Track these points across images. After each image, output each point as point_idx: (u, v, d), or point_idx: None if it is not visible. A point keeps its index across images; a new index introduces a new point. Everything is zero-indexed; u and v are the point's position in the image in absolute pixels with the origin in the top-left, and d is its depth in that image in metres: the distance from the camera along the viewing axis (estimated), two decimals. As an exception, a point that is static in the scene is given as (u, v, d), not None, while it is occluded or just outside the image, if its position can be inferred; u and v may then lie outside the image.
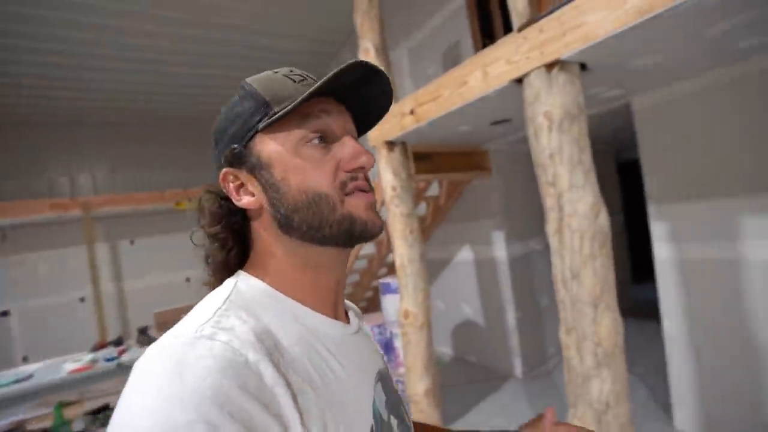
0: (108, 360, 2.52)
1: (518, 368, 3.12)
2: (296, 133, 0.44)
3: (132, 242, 5.76)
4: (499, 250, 3.13)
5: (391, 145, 2.39)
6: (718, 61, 1.76)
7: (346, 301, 0.59)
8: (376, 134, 2.41)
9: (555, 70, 1.41)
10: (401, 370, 2.71)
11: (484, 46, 2.97)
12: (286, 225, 0.44)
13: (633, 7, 1.18)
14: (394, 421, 0.49)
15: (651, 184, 2.17)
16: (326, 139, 0.45)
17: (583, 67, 1.49)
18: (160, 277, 5.79)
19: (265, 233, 0.46)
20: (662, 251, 2.16)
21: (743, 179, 1.87)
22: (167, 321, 3.81)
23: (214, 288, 0.45)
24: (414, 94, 2.13)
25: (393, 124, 2.27)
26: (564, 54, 1.37)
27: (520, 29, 1.50)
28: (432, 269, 3.70)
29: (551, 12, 1.40)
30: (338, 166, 0.44)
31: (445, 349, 3.85)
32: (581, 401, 1.50)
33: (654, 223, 2.17)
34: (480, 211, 3.29)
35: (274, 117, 0.43)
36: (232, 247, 0.48)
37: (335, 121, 0.46)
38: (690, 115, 2.00)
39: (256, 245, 0.48)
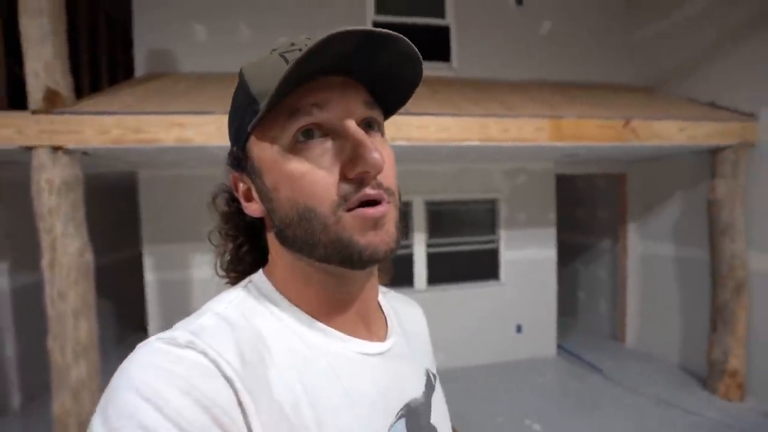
0: None
1: (16, 400, 3.10)
2: (284, 135, 0.36)
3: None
4: (1, 281, 3.06)
5: None
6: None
7: (400, 300, 0.55)
8: None
9: (60, 152, 2.02)
10: None
11: (10, 98, 2.99)
12: (282, 238, 0.40)
13: (110, 135, 2.04)
14: None
15: (146, 229, 3.17)
16: (324, 135, 0.37)
17: (85, 152, 2.19)
18: None
19: (271, 241, 0.43)
20: (151, 276, 3.18)
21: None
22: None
23: (233, 284, 0.44)
24: None
25: None
26: (69, 145, 2.01)
27: (34, 112, 1.99)
28: None
29: (62, 113, 2.01)
30: (338, 173, 0.36)
31: None
32: (63, 386, 2.08)
33: (147, 257, 3.17)
34: (-21, 240, 3.05)
35: (257, 117, 0.36)
36: (242, 244, 0.46)
37: (333, 112, 0.36)
38: (185, 185, 3.19)
39: (270, 247, 0.44)
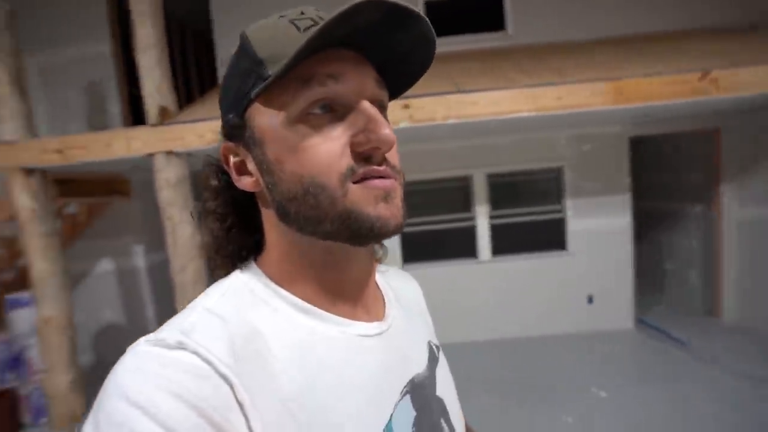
0: None
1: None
2: (294, 104, 0.35)
3: None
4: (140, 260, 3.90)
5: (29, 171, 2.68)
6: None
7: (395, 276, 0.54)
8: (10, 159, 2.62)
9: (172, 156, 2.53)
10: (37, 378, 2.92)
11: (133, 116, 3.74)
12: (284, 215, 0.37)
13: (205, 138, 2.49)
14: None
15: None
16: (335, 110, 0.35)
17: (189, 154, 2.70)
18: None
19: (267, 219, 0.40)
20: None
21: None
22: None
23: (222, 271, 0.42)
24: (62, 137, 2.65)
25: (33, 156, 2.62)
26: (177, 149, 2.52)
27: (152, 126, 2.53)
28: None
29: (170, 124, 2.52)
30: (347, 147, 0.35)
31: (87, 356, 4.06)
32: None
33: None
34: (121, 228, 3.91)
35: (265, 82, 0.34)
36: (232, 225, 0.42)
37: (347, 86, 0.35)
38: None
39: (265, 228, 0.41)
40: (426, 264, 3.82)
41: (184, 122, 2.53)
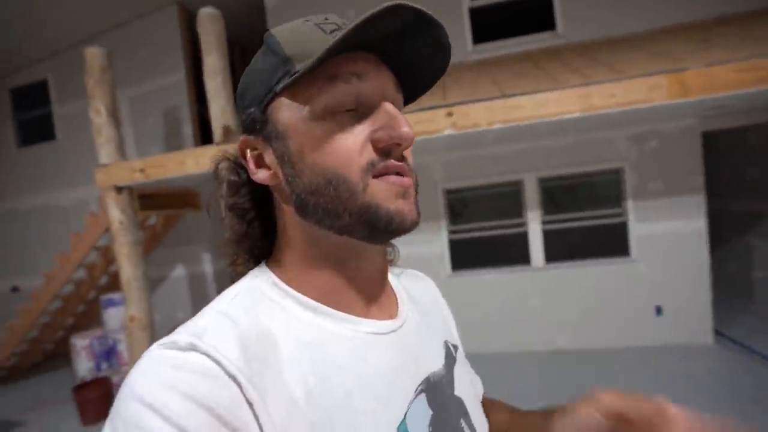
0: None
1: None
2: (319, 99, 0.36)
3: None
4: (207, 266, 4.29)
5: (119, 189, 3.10)
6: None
7: (408, 277, 0.55)
8: (105, 179, 3.05)
9: (235, 171, 2.79)
10: (125, 368, 3.33)
11: (202, 136, 4.17)
12: (302, 207, 0.38)
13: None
14: None
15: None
16: (358, 108, 0.37)
17: (250, 168, 2.95)
18: None
19: (284, 214, 0.41)
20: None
21: None
22: None
23: (241, 271, 0.43)
24: (144, 159, 3.02)
25: (123, 175, 3.02)
26: (239, 164, 2.77)
27: (217, 144, 2.80)
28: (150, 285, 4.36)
29: (232, 142, 2.78)
30: (368, 142, 0.37)
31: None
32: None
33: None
34: (192, 237, 4.33)
35: (293, 77, 0.36)
36: (253, 219, 0.43)
37: (370, 85, 0.37)
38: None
39: (279, 225, 0.43)
40: (476, 271, 3.76)
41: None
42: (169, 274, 4.49)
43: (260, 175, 0.40)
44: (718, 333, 3.43)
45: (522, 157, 3.59)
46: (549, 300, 3.62)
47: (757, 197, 3.92)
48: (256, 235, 0.44)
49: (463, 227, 3.88)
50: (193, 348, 0.32)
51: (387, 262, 0.47)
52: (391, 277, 0.50)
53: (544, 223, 3.67)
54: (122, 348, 3.36)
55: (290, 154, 0.38)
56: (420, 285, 0.57)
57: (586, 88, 2.34)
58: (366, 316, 0.42)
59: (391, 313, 0.45)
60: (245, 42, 5.48)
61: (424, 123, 2.45)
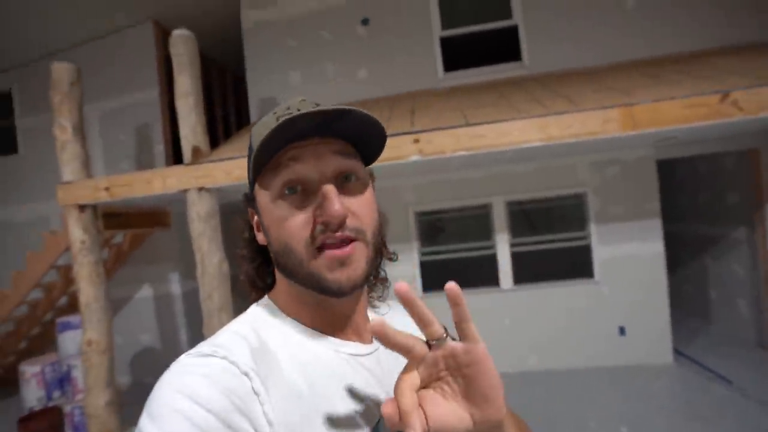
0: None
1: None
2: (273, 185, 0.46)
3: None
4: (175, 286, 4.16)
5: (82, 207, 3.00)
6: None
7: (391, 311, 0.61)
8: (67, 196, 2.95)
9: (203, 191, 2.76)
10: (79, 396, 3.16)
11: (175, 155, 4.12)
12: (277, 264, 0.50)
13: (233, 175, 2.70)
14: None
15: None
16: (304, 188, 0.45)
17: (218, 190, 2.93)
18: None
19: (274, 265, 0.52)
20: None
21: None
22: None
23: (254, 298, 0.55)
24: (109, 177, 2.96)
25: (87, 194, 2.94)
26: (207, 185, 2.75)
27: (186, 165, 2.78)
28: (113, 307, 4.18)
29: (201, 162, 2.76)
30: (311, 219, 0.44)
31: (124, 378, 4.32)
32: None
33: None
34: (160, 256, 4.21)
35: (256, 170, 0.47)
36: (260, 266, 0.55)
37: (308, 166, 0.45)
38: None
39: (274, 270, 0.54)
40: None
41: (214, 161, 2.76)
42: (133, 294, 4.33)
43: (259, 237, 0.53)
44: (677, 352, 3.56)
45: (490, 182, 3.70)
46: (518, 321, 3.68)
47: (710, 222, 4.15)
48: (263, 277, 0.56)
49: (434, 249, 3.93)
50: (214, 354, 0.41)
51: (361, 299, 0.54)
52: (370, 312, 0.60)
53: (512, 245, 3.76)
54: (77, 374, 3.19)
55: (265, 226, 0.49)
56: (401, 319, 0.60)
57: (545, 119, 2.46)
58: (347, 339, 0.51)
59: (369, 338, 0.54)
60: (223, 61, 5.50)
61: (392, 149, 2.51)
